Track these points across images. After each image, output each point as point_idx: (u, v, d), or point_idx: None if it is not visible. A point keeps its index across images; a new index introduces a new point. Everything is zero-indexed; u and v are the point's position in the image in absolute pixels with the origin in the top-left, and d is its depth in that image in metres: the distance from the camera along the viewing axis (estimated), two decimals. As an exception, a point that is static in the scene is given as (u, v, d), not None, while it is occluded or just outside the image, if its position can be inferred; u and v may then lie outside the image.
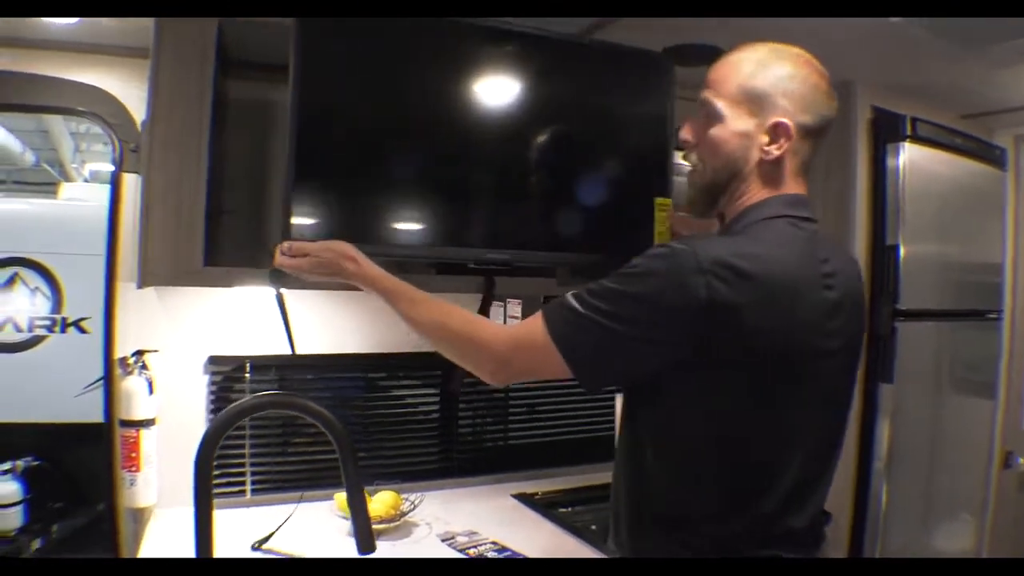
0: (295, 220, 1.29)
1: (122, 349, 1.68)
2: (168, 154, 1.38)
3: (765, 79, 1.04)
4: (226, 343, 1.77)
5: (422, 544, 1.57)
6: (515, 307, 1.94)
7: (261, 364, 1.80)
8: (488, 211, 1.48)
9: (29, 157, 5.20)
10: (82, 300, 2.84)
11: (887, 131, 2.06)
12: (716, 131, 1.07)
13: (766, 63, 1.05)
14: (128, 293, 1.69)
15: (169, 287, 1.64)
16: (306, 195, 1.30)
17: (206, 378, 1.76)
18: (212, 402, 1.76)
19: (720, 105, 1.06)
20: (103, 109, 1.64)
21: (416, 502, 1.71)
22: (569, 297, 1.02)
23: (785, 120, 1.03)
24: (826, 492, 1.10)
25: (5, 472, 2.56)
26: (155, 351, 1.67)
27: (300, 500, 1.65)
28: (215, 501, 1.71)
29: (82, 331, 2.85)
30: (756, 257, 0.95)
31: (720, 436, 1.00)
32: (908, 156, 2.03)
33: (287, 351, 1.42)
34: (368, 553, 0.97)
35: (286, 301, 1.30)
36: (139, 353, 1.63)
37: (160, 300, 1.71)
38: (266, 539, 1.49)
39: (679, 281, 0.93)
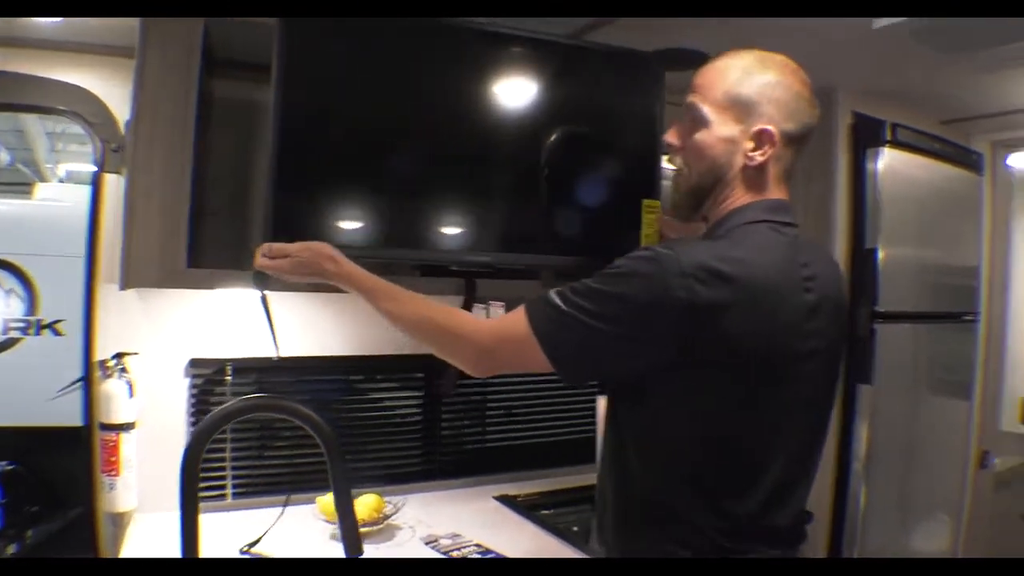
0: (276, 221, 1.28)
1: (100, 352, 1.66)
2: (152, 154, 1.36)
3: (751, 86, 1.06)
4: (207, 346, 1.76)
5: (406, 547, 1.57)
6: (497, 309, 1.94)
7: (243, 367, 1.78)
8: (470, 213, 1.48)
9: (4, 157, 5.12)
10: (57, 302, 2.80)
11: (867, 136, 2.09)
12: (702, 136, 1.09)
13: (752, 70, 1.06)
14: (107, 295, 1.67)
15: (150, 289, 1.62)
16: (288, 196, 1.29)
17: (187, 381, 1.74)
18: (193, 405, 1.74)
19: (706, 110, 1.08)
20: (84, 108, 1.62)
21: (399, 505, 1.70)
22: (552, 294, 1.03)
23: (770, 127, 1.04)
24: (808, 491, 1.11)
25: (-21, 476, 2.51)
26: (135, 354, 1.64)
27: (286, 503, 1.63)
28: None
29: (57, 334, 2.81)
30: (737, 261, 0.97)
31: (703, 436, 1.01)
32: (888, 161, 2.06)
33: (269, 354, 1.41)
34: (356, 556, 0.96)
35: (270, 303, 1.29)
36: (119, 356, 1.61)
37: (141, 302, 1.68)
38: (255, 543, 1.47)
39: (661, 283, 0.94)
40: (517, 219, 1.50)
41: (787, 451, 1.04)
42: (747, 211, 1.07)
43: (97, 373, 1.62)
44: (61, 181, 5.31)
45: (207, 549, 1.12)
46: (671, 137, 1.14)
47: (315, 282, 1.20)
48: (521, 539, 1.66)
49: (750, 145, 1.06)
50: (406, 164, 1.41)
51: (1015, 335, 2.65)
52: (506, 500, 1.95)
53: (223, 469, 1.76)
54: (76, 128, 3.06)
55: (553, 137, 1.50)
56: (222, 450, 1.75)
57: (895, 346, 2.11)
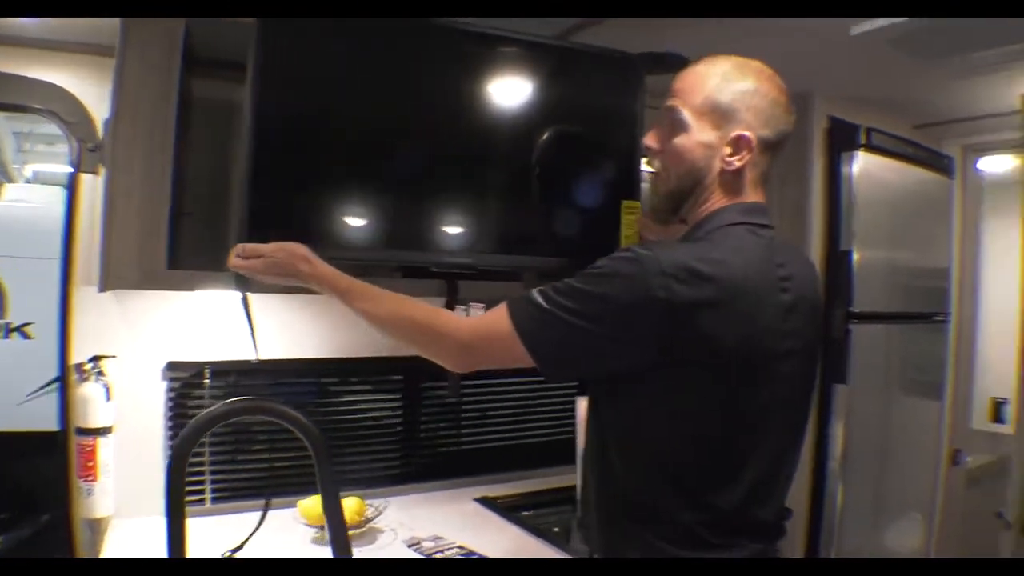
0: (251, 222, 1.26)
1: (75, 355, 1.63)
2: (132, 154, 1.35)
3: (730, 93, 1.08)
4: (184, 348, 1.74)
5: (388, 550, 1.56)
6: (478, 311, 1.93)
7: (220, 370, 1.76)
8: (451, 214, 1.45)
9: (-32, 158, 5.00)
10: (26, 305, 2.74)
11: (842, 140, 2.12)
12: (681, 140, 1.10)
13: (731, 77, 1.08)
14: (82, 297, 1.65)
15: (126, 291, 1.59)
16: (263, 197, 1.27)
17: (164, 384, 1.72)
18: (170, 409, 1.72)
19: (686, 115, 1.10)
20: (60, 107, 1.59)
21: (380, 508, 1.70)
22: (534, 293, 1.04)
23: (747, 133, 1.07)
24: (788, 488, 1.14)
25: (-53, 483, 2.45)
26: (112, 356, 1.62)
27: (266, 507, 1.61)
28: (175, 510, 1.69)
29: (26, 336, 2.75)
30: (716, 262, 0.99)
31: (685, 435, 1.03)
32: (862, 164, 2.10)
33: (247, 356, 1.40)
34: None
35: (251, 304, 1.28)
36: (96, 359, 1.59)
37: (117, 304, 1.66)
38: (238, 548, 1.46)
39: (642, 283, 0.96)
40: (498, 220, 1.49)
41: (767, 448, 1.06)
42: (725, 214, 1.09)
43: (73, 376, 1.60)
44: (28, 182, 5.20)
45: (191, 555, 1.11)
46: (650, 141, 1.16)
47: (289, 284, 1.19)
48: (503, 540, 1.67)
49: (728, 150, 1.08)
50: (385, 165, 1.39)
51: (985, 336, 2.71)
52: (486, 502, 1.95)
53: (202, 474, 1.74)
54: (43, 128, 3.00)
55: (540, 138, 1.50)
56: (200, 454, 1.73)
57: (869, 346, 2.14)
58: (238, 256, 1.18)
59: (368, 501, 1.70)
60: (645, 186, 1.53)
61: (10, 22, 1.53)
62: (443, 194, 1.44)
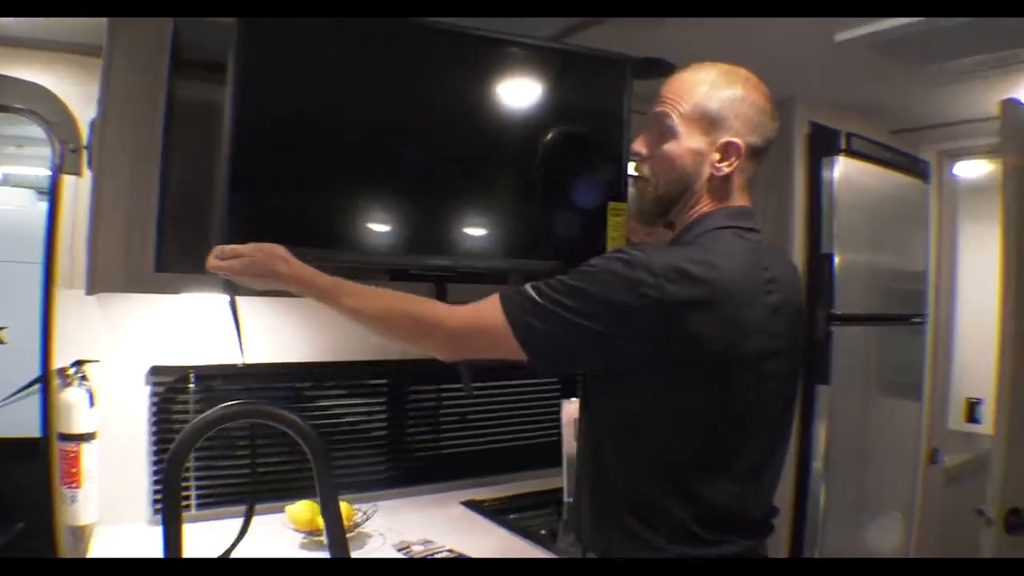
0: (231, 224, 1.25)
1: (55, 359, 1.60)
2: (120, 156, 1.33)
3: (719, 100, 1.10)
4: (168, 353, 1.71)
5: (378, 555, 1.55)
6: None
7: (205, 374, 1.74)
8: (436, 216, 1.45)
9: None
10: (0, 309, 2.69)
11: (823, 145, 2.16)
12: (670, 147, 1.12)
13: (720, 84, 1.11)
14: (62, 300, 1.61)
15: (108, 294, 1.57)
16: (242, 199, 1.26)
17: (147, 389, 1.69)
18: (154, 414, 1.69)
19: (675, 122, 1.12)
20: (42, 107, 1.56)
21: (369, 513, 1.69)
22: (527, 287, 1.06)
23: (736, 140, 1.09)
24: (775, 485, 1.16)
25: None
26: (95, 361, 1.59)
27: (250, 513, 1.59)
28: (158, 517, 1.66)
29: None
30: (705, 264, 1.01)
31: (676, 432, 1.05)
32: (843, 169, 2.13)
33: (232, 360, 1.37)
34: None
35: (239, 307, 1.27)
36: (79, 363, 1.56)
37: (99, 308, 1.63)
38: (227, 553, 1.44)
39: (634, 282, 0.98)
40: (486, 223, 1.49)
41: (756, 446, 1.09)
42: (713, 218, 1.12)
43: (56, 381, 1.57)
44: (-2, 185, 5.10)
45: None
46: (639, 146, 1.18)
47: (268, 287, 1.18)
48: (492, 543, 1.67)
49: (717, 157, 1.11)
50: (366, 168, 1.39)
51: (961, 337, 2.77)
52: (473, 505, 1.95)
53: (187, 479, 1.71)
54: (13, 130, 2.93)
55: (543, 139, 1.50)
56: (186, 459, 1.70)
57: (850, 348, 2.18)
58: (217, 257, 1.17)
59: (355, 506, 1.69)
60: (630, 189, 1.54)
61: (-10, 21, 1.51)
62: (428, 196, 1.43)
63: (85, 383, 1.55)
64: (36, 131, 1.62)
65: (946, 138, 2.54)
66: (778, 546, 2.14)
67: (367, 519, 1.67)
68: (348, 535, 1.59)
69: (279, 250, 1.16)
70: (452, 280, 1.66)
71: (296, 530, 1.59)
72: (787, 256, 1.28)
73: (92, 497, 1.54)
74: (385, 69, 1.38)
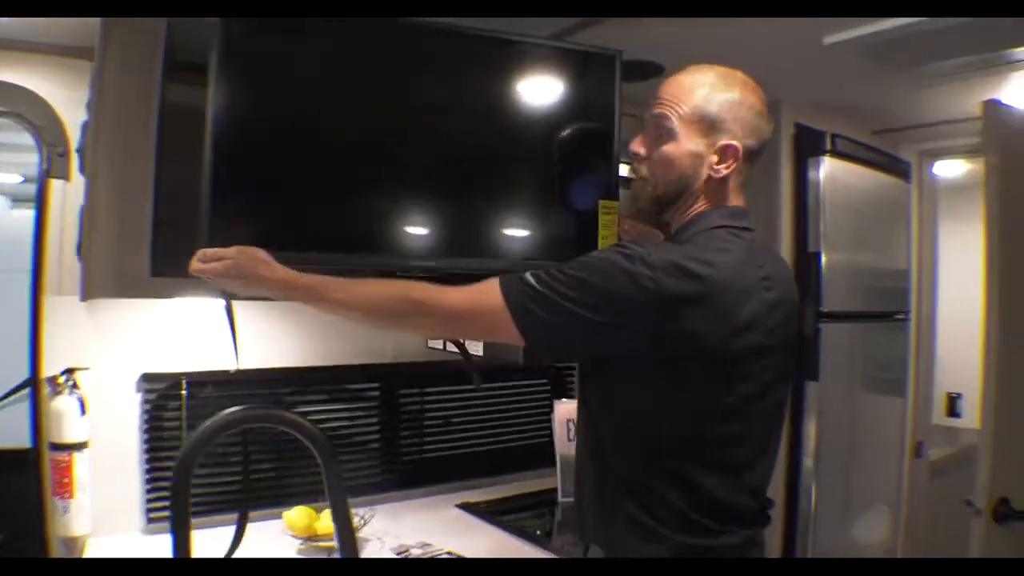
0: (212, 228, 1.24)
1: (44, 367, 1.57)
2: (113, 160, 1.31)
3: (717, 103, 1.12)
4: (159, 359, 1.69)
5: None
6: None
7: (197, 381, 1.71)
8: (419, 217, 1.44)
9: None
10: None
11: (808, 146, 2.19)
12: (670, 148, 1.14)
13: (719, 88, 1.13)
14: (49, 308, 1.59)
15: (96, 301, 1.54)
16: (225, 202, 1.25)
17: (138, 397, 1.66)
18: (146, 422, 1.66)
19: (674, 123, 1.13)
20: (29, 110, 1.54)
21: (366, 517, 1.68)
22: (527, 275, 1.07)
23: (734, 143, 1.12)
24: (770, 476, 1.18)
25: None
26: (86, 369, 1.56)
27: (243, 520, 1.57)
28: (152, 527, 1.64)
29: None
30: (703, 262, 1.03)
31: (677, 426, 1.07)
32: (828, 169, 2.16)
33: (223, 366, 1.35)
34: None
35: (235, 311, 1.26)
36: (69, 371, 1.53)
37: (90, 315, 1.60)
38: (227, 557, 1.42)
39: (634, 276, 1.00)
40: (475, 222, 1.47)
41: (752, 439, 1.11)
42: (709, 217, 1.14)
43: (45, 390, 1.53)
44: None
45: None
46: (638, 146, 1.19)
47: (251, 292, 1.17)
48: (490, 544, 1.68)
49: (715, 159, 1.13)
50: (347, 168, 1.37)
51: (941, 333, 2.82)
52: (468, 507, 1.95)
53: (180, 487, 1.68)
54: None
55: (505, 139, 1.49)
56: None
57: (837, 345, 2.21)
58: (199, 260, 1.16)
59: (352, 510, 1.67)
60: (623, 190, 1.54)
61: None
62: (414, 198, 1.42)
63: (76, 391, 1.52)
64: (9, 137, 1.59)
65: (925, 138, 2.59)
66: (771, 543, 2.16)
67: (364, 523, 1.66)
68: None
69: (261, 253, 1.16)
70: (436, 281, 1.65)
71: (294, 536, 1.58)
72: (779, 255, 1.31)
73: (85, 507, 1.51)
74: (372, 69, 1.37)
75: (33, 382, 1.57)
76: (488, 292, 1.08)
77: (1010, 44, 1.71)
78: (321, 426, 1.87)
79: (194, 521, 1.66)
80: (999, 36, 1.65)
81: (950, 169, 2.86)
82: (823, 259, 2.16)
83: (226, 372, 1.70)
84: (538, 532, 1.79)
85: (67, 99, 1.59)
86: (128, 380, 1.65)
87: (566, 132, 1.55)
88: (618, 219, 1.54)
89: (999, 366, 1.65)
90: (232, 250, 1.16)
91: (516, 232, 1.52)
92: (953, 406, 2.93)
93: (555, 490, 2.05)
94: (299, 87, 1.33)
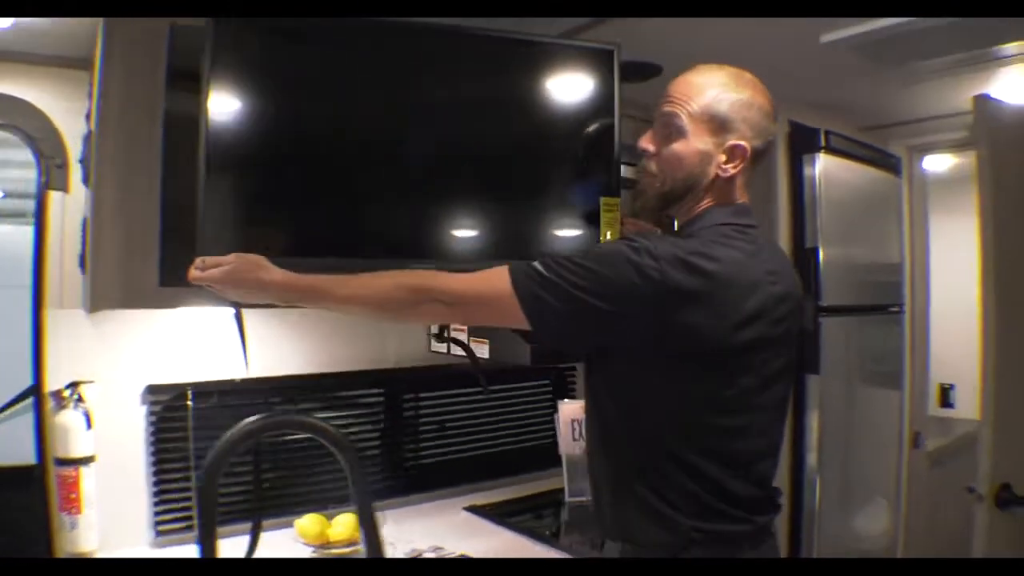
0: (206, 234, 1.24)
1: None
2: (117, 170, 1.29)
3: (727, 103, 1.13)
4: (163, 370, 1.67)
5: (392, 565, 1.54)
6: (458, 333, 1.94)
7: (202, 391, 1.70)
8: (414, 218, 1.42)
9: None
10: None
11: (803, 143, 2.21)
12: (679, 146, 1.15)
13: (729, 88, 1.14)
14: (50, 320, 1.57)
15: (100, 313, 1.52)
16: (218, 208, 1.25)
17: (143, 408, 1.65)
18: (152, 434, 1.65)
19: (684, 121, 1.14)
20: (26, 122, 1.52)
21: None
22: (536, 263, 1.08)
23: (742, 143, 1.13)
24: (776, 465, 1.20)
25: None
26: (91, 382, 1.54)
27: (257, 528, 1.55)
28: (160, 540, 1.62)
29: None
30: (709, 257, 1.05)
31: (683, 419, 1.09)
32: (823, 166, 2.19)
33: (228, 375, 1.33)
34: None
35: (244, 319, 1.25)
36: (74, 385, 1.51)
37: (92, 327, 1.58)
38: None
39: (641, 266, 1.01)
40: (468, 223, 1.46)
41: (761, 428, 1.13)
42: (714, 214, 1.16)
43: (49, 405, 1.51)
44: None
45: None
46: (646, 143, 1.20)
47: (251, 299, 1.16)
48: (501, 545, 1.68)
49: (723, 158, 1.14)
50: (342, 171, 1.37)
51: (935, 326, 2.85)
52: (476, 510, 1.96)
53: (188, 499, 1.67)
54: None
55: (502, 138, 1.49)
56: (187, 479, 1.67)
57: (836, 338, 2.23)
58: (197, 268, 1.15)
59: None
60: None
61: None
62: (409, 200, 1.41)
63: (81, 405, 1.50)
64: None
65: (914, 134, 2.62)
66: (777, 538, 2.17)
67: (375, 530, 1.64)
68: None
69: (259, 259, 1.16)
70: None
71: (305, 544, 1.57)
72: (782, 250, 1.32)
73: (92, 523, 1.49)
74: (370, 71, 1.36)
75: (36, 394, 1.54)
76: (496, 278, 1.09)
77: (996, 41, 1.74)
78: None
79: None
80: (986, 34, 1.68)
81: (939, 163, 2.90)
82: (821, 254, 2.18)
83: (232, 381, 1.69)
84: (547, 532, 1.79)
85: (64, 110, 1.57)
86: (133, 392, 1.64)
87: (567, 128, 1.55)
88: (620, 217, 1.55)
89: (998, 354, 1.68)
90: (230, 257, 1.15)
91: (516, 232, 1.51)
92: (946, 397, 2.97)
93: (561, 490, 2.05)
94: (292, 93, 1.32)
